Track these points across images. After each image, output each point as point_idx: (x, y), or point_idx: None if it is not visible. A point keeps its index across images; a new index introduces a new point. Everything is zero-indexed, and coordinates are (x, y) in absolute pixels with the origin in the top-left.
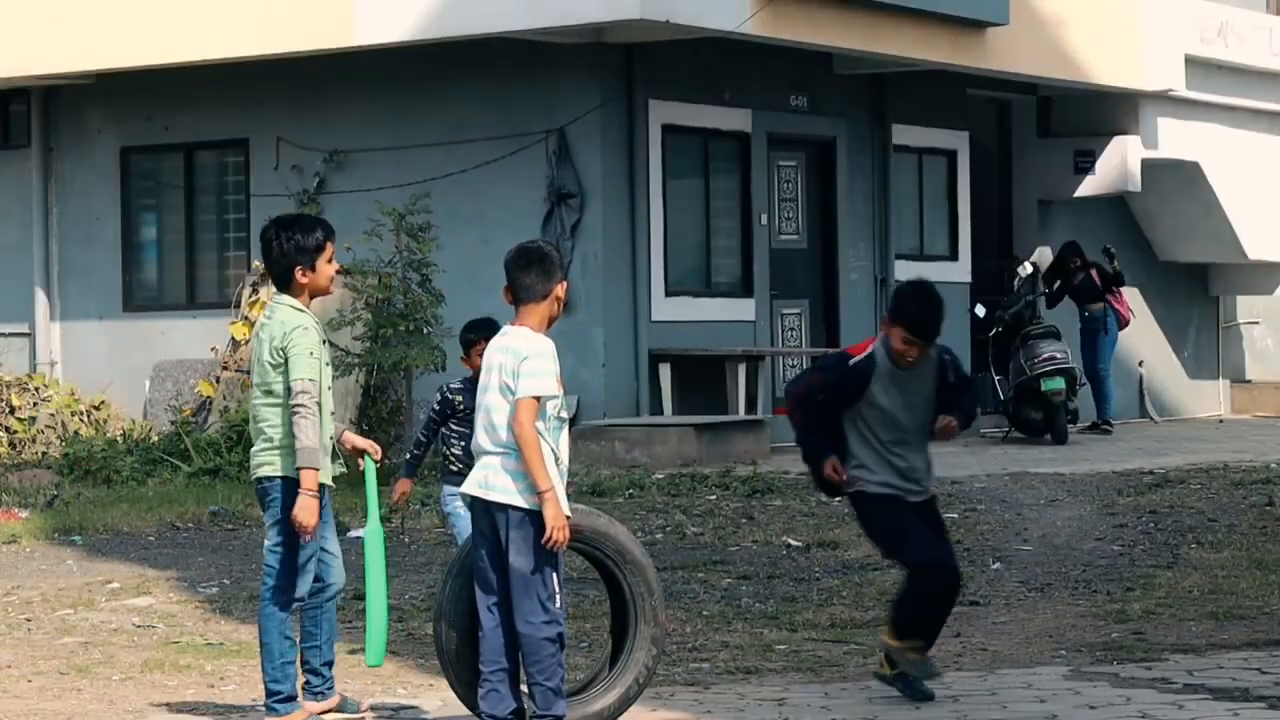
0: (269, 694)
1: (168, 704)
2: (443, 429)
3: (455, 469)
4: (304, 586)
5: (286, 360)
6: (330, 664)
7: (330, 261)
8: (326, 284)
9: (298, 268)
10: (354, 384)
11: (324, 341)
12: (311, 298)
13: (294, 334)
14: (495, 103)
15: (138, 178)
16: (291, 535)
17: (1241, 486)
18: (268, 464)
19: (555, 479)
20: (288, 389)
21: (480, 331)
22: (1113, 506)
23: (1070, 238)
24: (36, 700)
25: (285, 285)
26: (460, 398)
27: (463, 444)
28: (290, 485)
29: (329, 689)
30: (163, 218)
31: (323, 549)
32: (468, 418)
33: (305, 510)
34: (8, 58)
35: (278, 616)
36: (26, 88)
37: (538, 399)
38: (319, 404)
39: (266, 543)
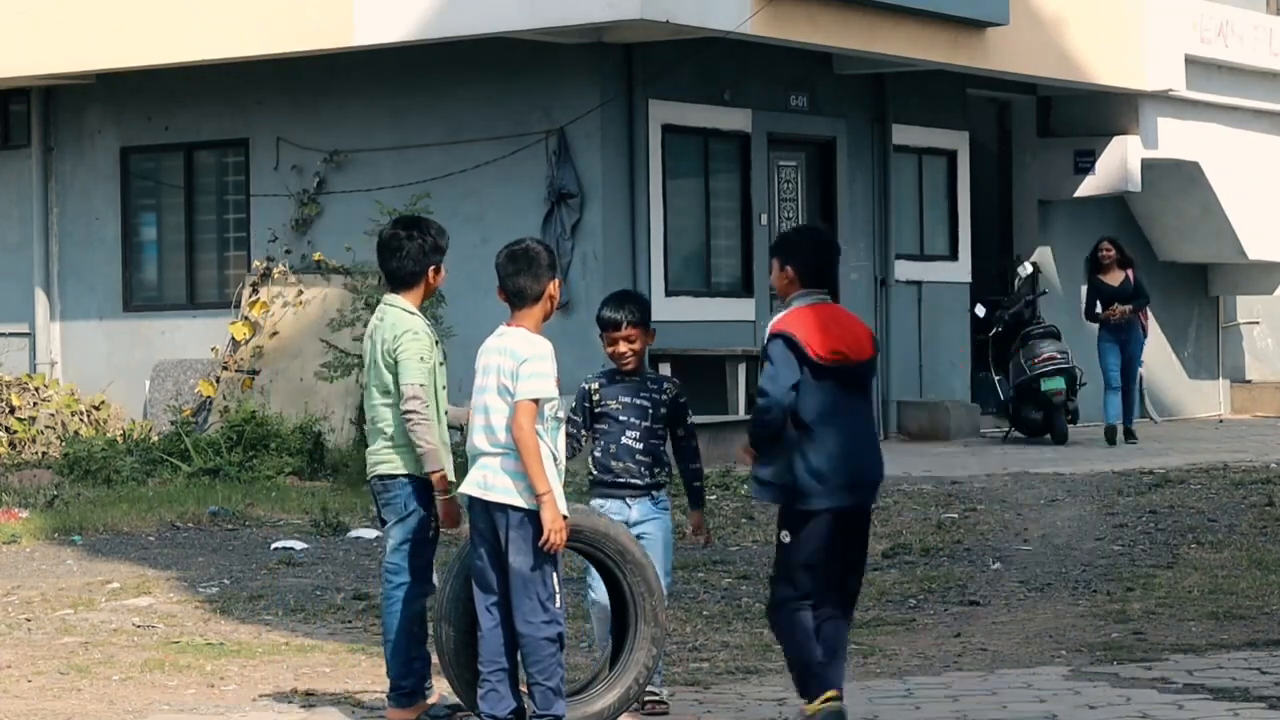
0: (393, 687)
1: (168, 704)
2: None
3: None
4: (428, 584)
5: (396, 364)
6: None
7: None
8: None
9: (432, 268)
10: (354, 384)
11: (436, 342)
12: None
13: (403, 339)
14: (495, 103)
15: (138, 177)
16: (417, 532)
17: (1241, 486)
18: (386, 461)
19: (554, 481)
20: (400, 391)
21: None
22: (1113, 506)
23: (1070, 238)
24: (36, 700)
25: (409, 285)
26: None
27: (603, 445)
28: (413, 483)
29: (427, 688)
30: (163, 217)
31: None
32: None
33: (448, 514)
34: (8, 58)
35: (406, 613)
36: (26, 87)
37: (536, 401)
38: (433, 405)
39: (390, 541)
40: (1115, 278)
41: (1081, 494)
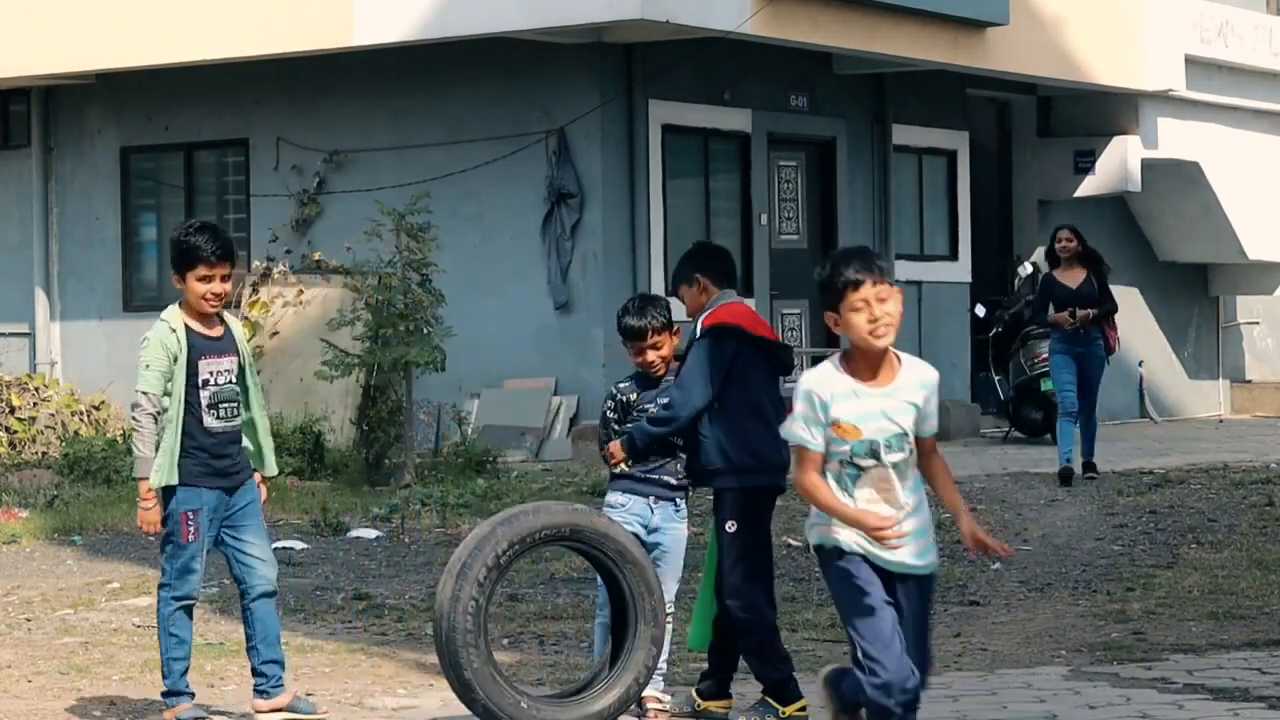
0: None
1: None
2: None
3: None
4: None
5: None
6: (273, 663)
7: None
8: None
9: (174, 276)
10: (354, 384)
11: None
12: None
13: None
14: (495, 103)
15: (137, 177)
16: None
17: (1241, 486)
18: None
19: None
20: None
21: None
22: (1113, 506)
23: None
24: (36, 700)
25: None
26: (633, 395)
27: None
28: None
29: (274, 688)
30: (162, 217)
31: (243, 552)
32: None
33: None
34: (8, 58)
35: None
36: (26, 88)
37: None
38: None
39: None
40: (1074, 276)
41: (1081, 494)
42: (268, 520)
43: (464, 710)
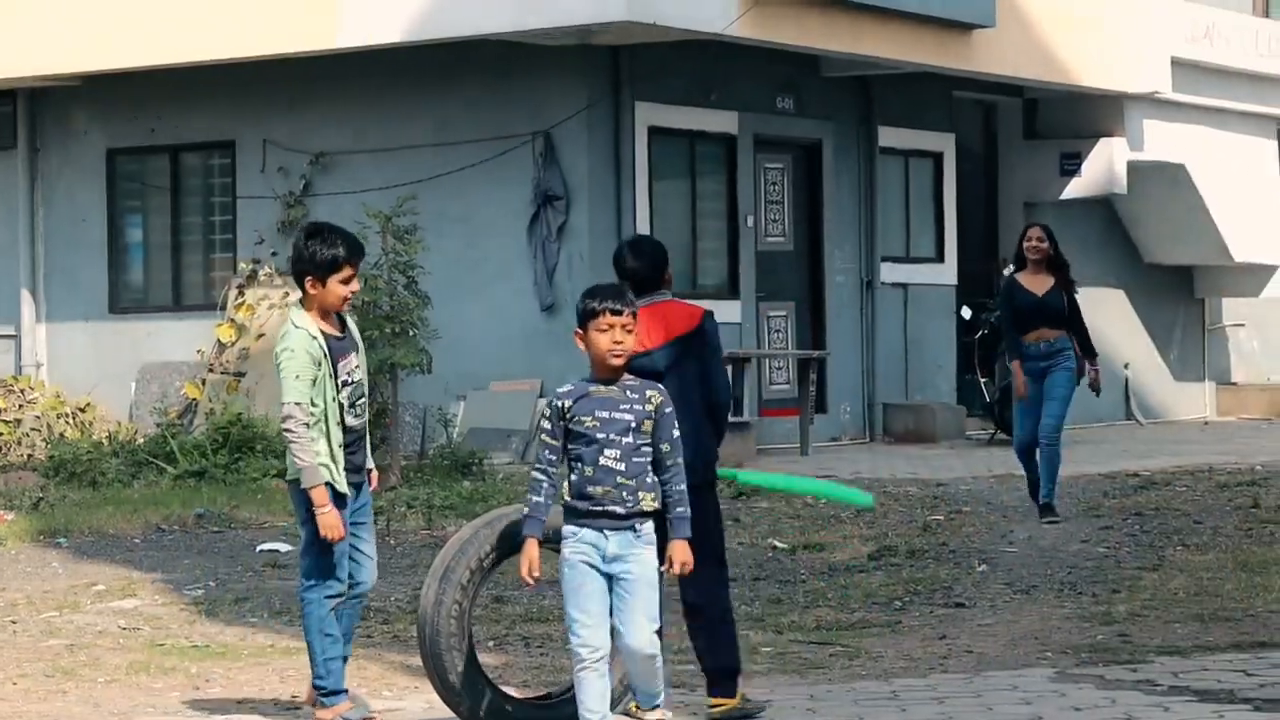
0: (314, 687)
1: (153, 706)
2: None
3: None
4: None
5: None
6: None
7: None
8: None
9: (308, 279)
10: None
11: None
12: None
13: (278, 354)
14: (481, 104)
15: (124, 179)
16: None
17: (1227, 489)
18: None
19: None
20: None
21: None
22: (1098, 509)
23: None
24: (22, 703)
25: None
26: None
27: (579, 467)
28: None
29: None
30: (149, 219)
31: (357, 550)
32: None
33: (324, 525)
34: None
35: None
36: (13, 89)
37: None
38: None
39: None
40: (1041, 283)
41: (1067, 496)
42: (252, 522)
43: (448, 713)
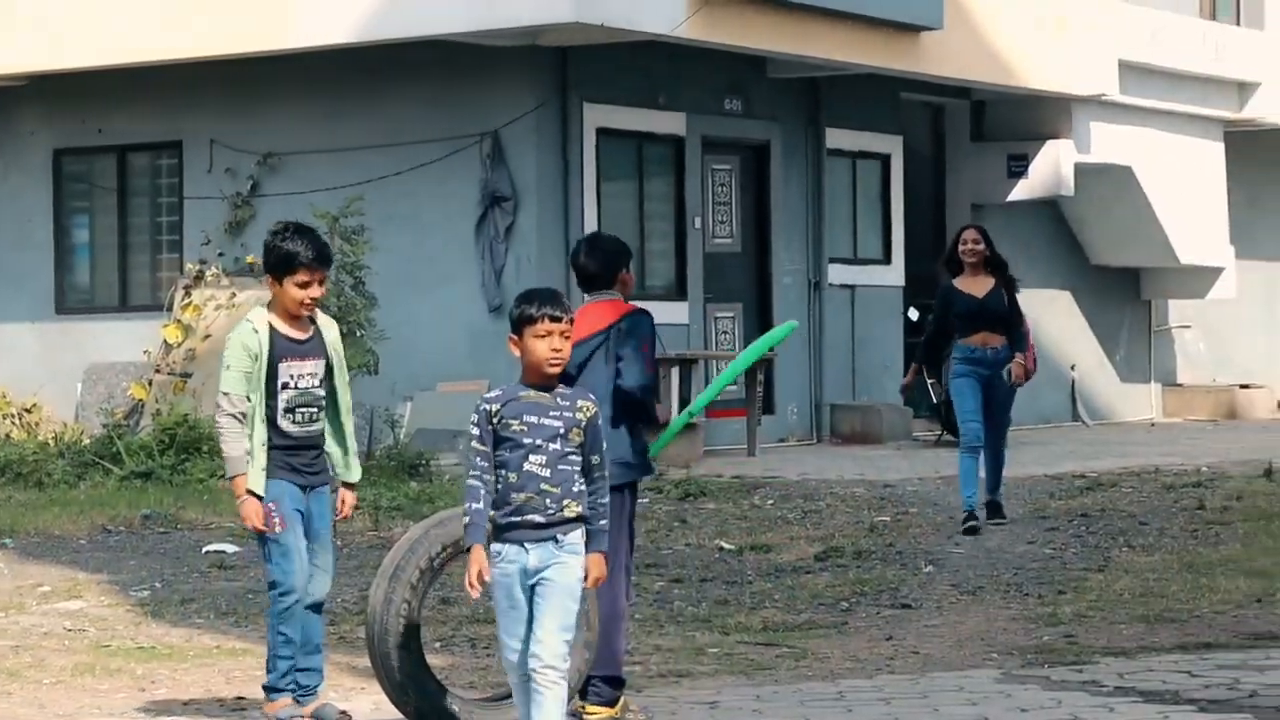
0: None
1: (98, 708)
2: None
3: None
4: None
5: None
6: (308, 670)
7: None
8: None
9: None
10: None
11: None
12: None
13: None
14: (430, 105)
15: (70, 180)
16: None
17: (1172, 490)
18: None
19: None
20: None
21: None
22: (1044, 510)
23: (1003, 242)
24: None
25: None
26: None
27: (503, 473)
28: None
29: (305, 696)
30: (95, 220)
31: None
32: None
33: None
34: None
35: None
36: None
37: None
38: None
39: None
40: (980, 285)
41: (1013, 497)
42: (199, 523)
43: (396, 713)
